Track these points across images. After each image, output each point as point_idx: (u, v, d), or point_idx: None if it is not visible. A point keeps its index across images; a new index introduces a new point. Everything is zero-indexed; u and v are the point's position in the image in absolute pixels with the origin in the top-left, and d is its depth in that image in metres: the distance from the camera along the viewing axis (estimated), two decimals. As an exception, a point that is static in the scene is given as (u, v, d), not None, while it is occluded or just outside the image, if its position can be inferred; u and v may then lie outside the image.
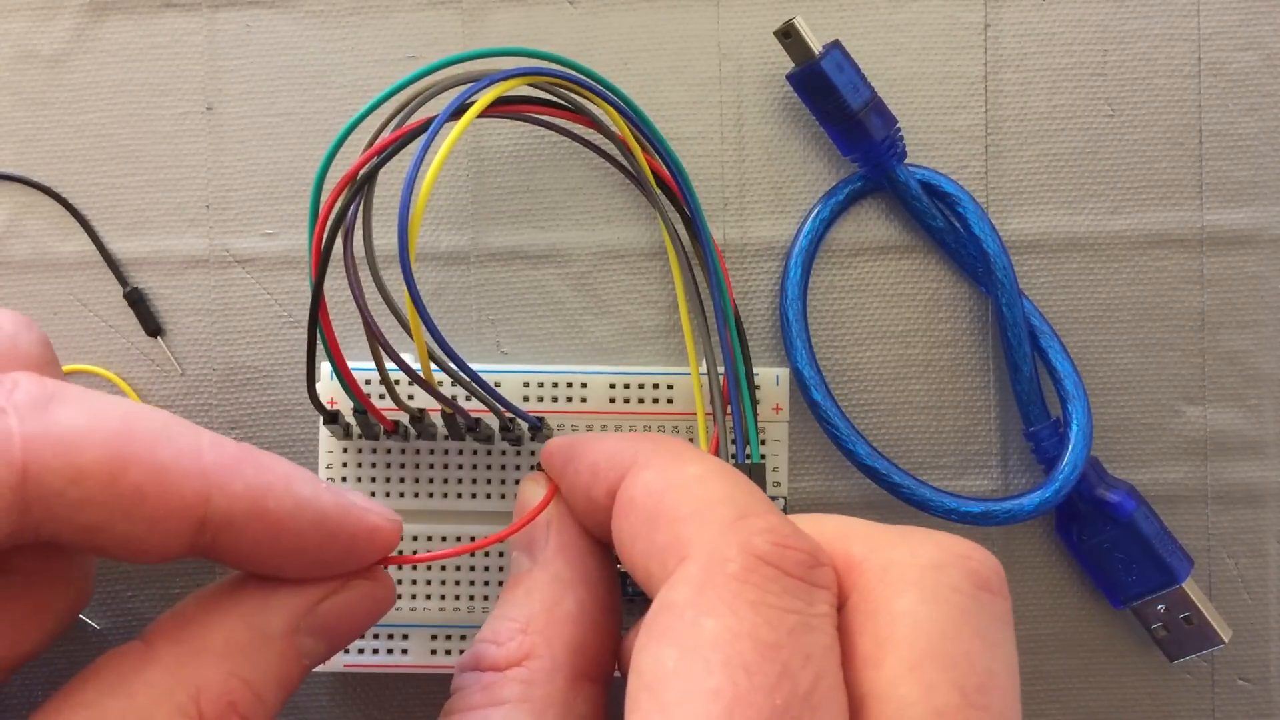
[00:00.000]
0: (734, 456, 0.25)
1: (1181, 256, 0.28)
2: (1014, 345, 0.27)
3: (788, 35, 0.26)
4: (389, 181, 0.28)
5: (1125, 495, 0.27)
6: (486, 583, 0.27)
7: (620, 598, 0.23)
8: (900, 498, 0.27)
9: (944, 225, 0.28)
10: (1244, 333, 0.28)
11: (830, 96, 0.26)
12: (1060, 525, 0.28)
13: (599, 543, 0.23)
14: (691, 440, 0.27)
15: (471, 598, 0.27)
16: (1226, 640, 0.27)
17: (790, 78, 0.27)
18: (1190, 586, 0.27)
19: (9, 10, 0.29)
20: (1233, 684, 0.28)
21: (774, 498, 0.27)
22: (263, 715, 0.20)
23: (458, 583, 0.27)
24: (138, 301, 0.28)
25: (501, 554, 0.27)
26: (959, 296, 0.28)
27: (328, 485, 0.21)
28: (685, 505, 0.19)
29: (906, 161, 0.27)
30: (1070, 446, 0.26)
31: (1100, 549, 0.27)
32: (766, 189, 0.28)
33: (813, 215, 0.28)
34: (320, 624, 0.21)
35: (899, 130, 0.27)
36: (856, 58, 0.27)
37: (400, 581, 0.27)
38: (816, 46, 0.26)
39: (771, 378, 0.27)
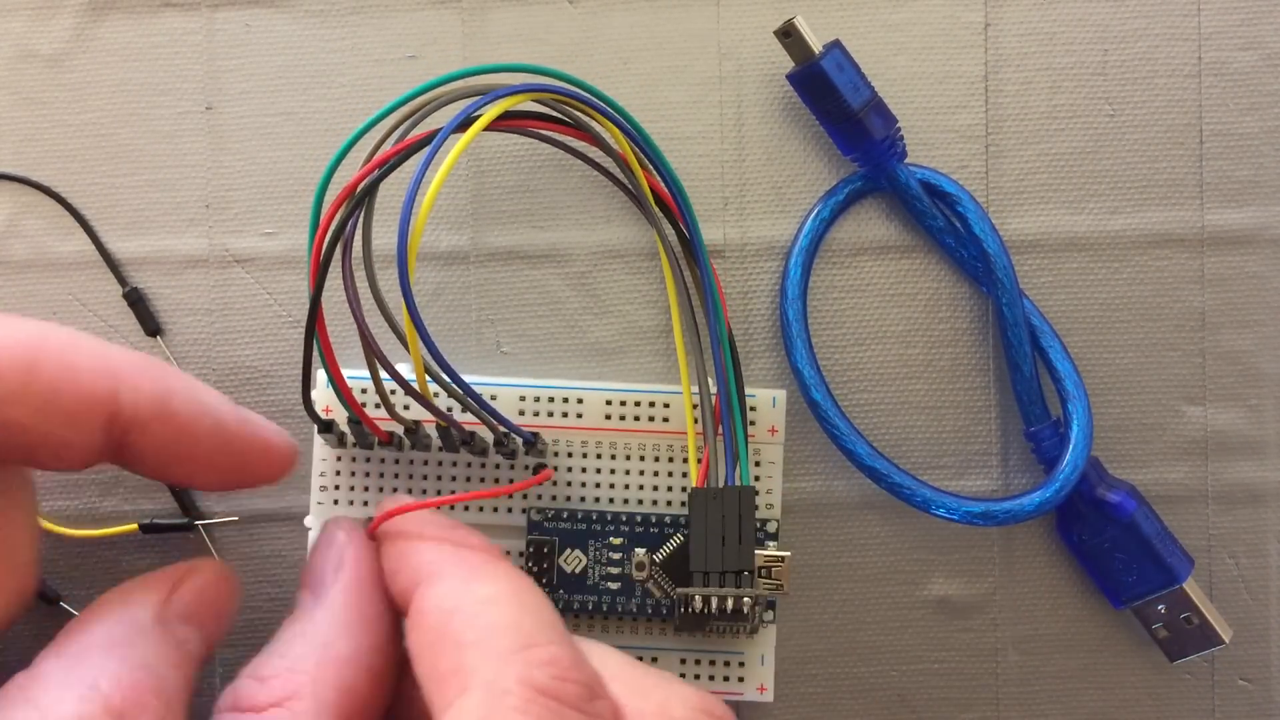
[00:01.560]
0: (725, 478, 0.25)
1: (1181, 256, 0.28)
2: (1015, 345, 0.27)
3: (788, 35, 0.26)
4: (391, 186, 0.28)
5: (1126, 495, 0.27)
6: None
7: (401, 649, 0.22)
8: (901, 498, 0.27)
9: (944, 225, 0.28)
10: (1244, 333, 0.28)
11: (830, 96, 0.26)
12: (1061, 525, 0.28)
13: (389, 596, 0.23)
14: (684, 460, 0.27)
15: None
16: (1227, 640, 0.27)
17: (790, 77, 0.27)
18: (1191, 586, 0.27)
19: (9, 10, 0.29)
20: (1233, 684, 0.28)
21: (764, 520, 0.27)
22: (172, 698, 0.20)
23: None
24: (137, 301, 0.28)
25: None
26: (959, 296, 0.28)
27: (233, 403, 0.22)
28: (469, 631, 0.19)
29: (906, 161, 0.27)
30: (1071, 446, 0.26)
31: (1101, 549, 0.27)
32: (766, 189, 0.28)
33: (813, 215, 0.28)
34: (182, 610, 0.22)
35: (899, 130, 0.27)
36: (856, 57, 0.27)
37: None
38: (817, 46, 0.26)
39: (769, 399, 0.27)
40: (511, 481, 0.27)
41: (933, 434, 0.28)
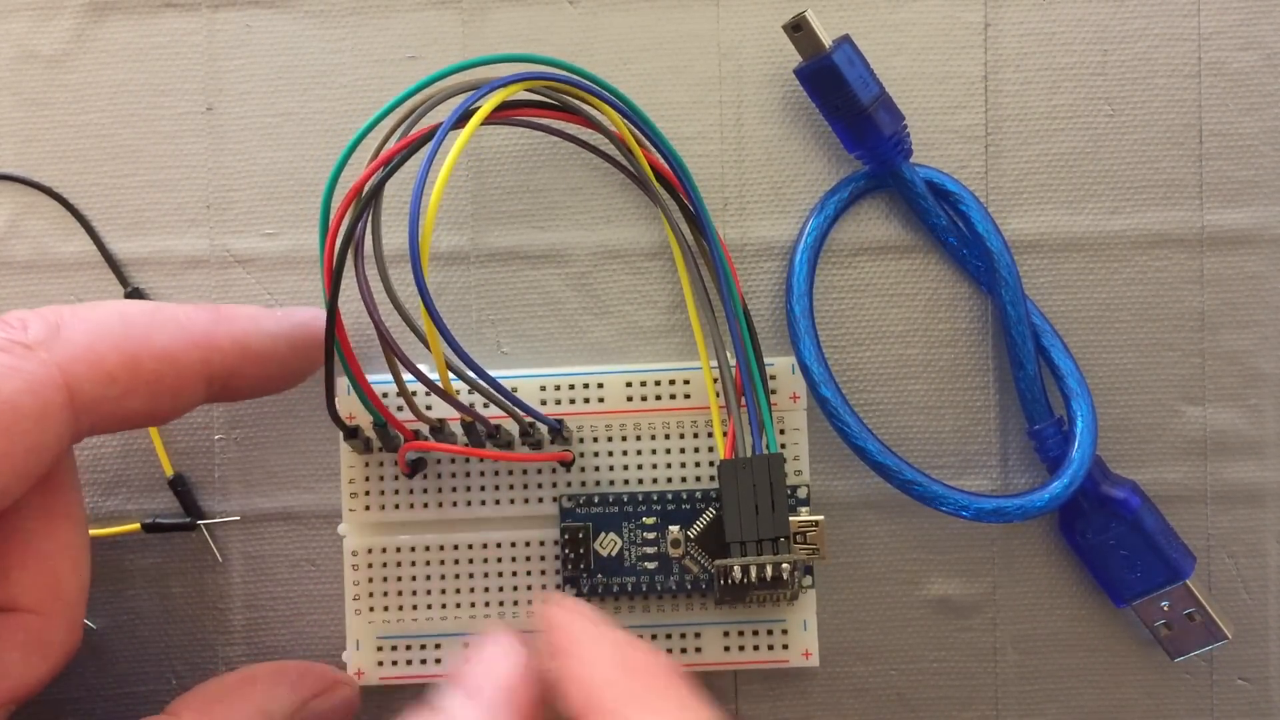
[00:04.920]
0: (752, 447, 0.25)
1: (1181, 256, 0.28)
2: (1018, 343, 0.27)
3: (798, 29, 0.26)
4: (391, 188, 0.28)
5: (1130, 491, 0.27)
6: (515, 588, 0.27)
7: None
8: (912, 495, 0.26)
9: (946, 224, 0.28)
10: (1244, 333, 0.28)
11: (841, 90, 0.26)
12: (1064, 524, 0.28)
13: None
14: (709, 434, 0.27)
15: (501, 603, 0.27)
16: (1230, 636, 0.27)
17: (799, 72, 0.27)
18: (1193, 582, 0.27)
19: (9, 10, 0.29)
20: (1231, 684, 0.28)
21: (794, 486, 0.27)
22: None
23: (486, 589, 0.27)
24: (138, 302, 0.28)
25: (528, 559, 0.27)
26: (959, 296, 0.28)
27: (279, 312, 0.25)
28: None
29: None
30: (1078, 442, 0.26)
31: (1105, 546, 0.27)
32: (766, 189, 0.28)
33: (817, 211, 0.28)
34: (309, 716, 0.25)
35: (906, 127, 0.27)
36: (856, 58, 0.27)
37: (430, 591, 0.27)
38: (827, 40, 0.26)
39: (788, 366, 0.27)
40: (539, 471, 0.27)
41: (932, 434, 0.28)
